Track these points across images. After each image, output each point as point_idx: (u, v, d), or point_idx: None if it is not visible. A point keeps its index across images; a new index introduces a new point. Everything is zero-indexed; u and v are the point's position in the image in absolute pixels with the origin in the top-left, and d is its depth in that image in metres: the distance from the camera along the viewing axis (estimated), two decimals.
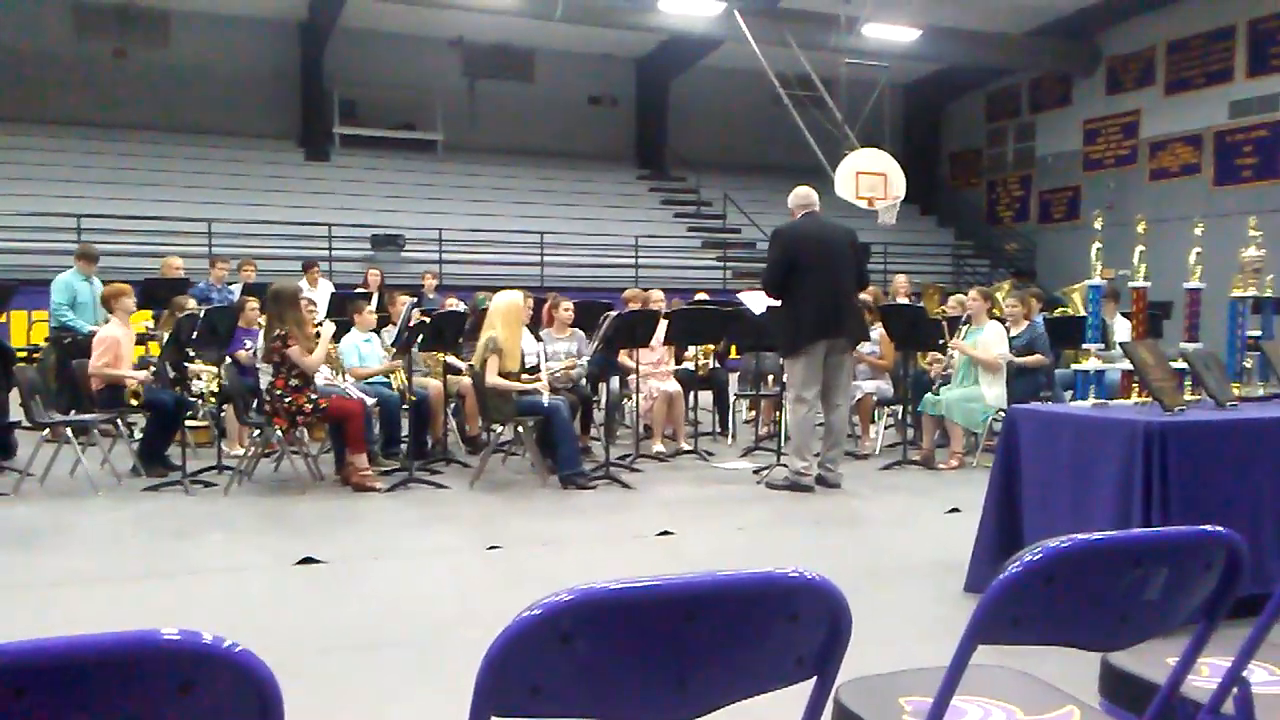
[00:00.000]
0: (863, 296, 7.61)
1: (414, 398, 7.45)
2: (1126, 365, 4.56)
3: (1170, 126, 20.09)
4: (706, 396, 9.60)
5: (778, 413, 8.77)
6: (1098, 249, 4.75)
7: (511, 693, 1.26)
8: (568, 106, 22.82)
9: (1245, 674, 1.86)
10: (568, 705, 1.33)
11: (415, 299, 8.50)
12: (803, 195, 7.09)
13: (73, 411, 7.33)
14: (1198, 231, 4.96)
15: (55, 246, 15.02)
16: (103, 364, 7.13)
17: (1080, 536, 1.55)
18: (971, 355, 7.73)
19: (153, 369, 7.83)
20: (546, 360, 7.64)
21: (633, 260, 18.90)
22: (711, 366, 9.38)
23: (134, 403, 7.23)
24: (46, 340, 10.00)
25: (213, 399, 7.70)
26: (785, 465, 7.12)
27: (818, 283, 6.71)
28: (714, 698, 1.40)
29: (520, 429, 7.37)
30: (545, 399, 6.91)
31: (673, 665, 1.34)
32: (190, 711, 1.12)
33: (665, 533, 5.70)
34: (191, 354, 7.51)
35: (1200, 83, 19.55)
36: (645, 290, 9.82)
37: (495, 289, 7.65)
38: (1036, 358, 8.19)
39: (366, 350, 7.89)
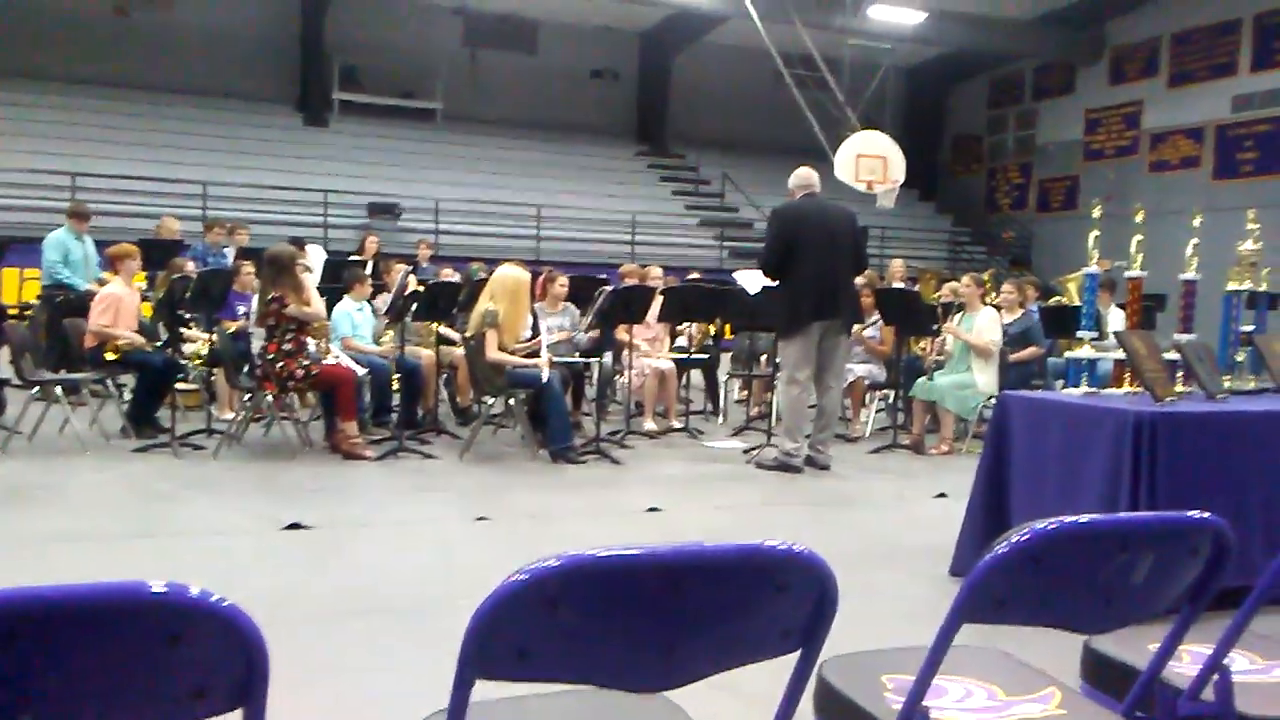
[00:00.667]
0: (859, 280, 7.61)
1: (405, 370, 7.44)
2: (1119, 355, 4.57)
3: (1172, 118, 20.06)
4: (698, 375, 9.60)
5: (769, 393, 8.79)
6: (1096, 237, 4.75)
7: (498, 656, 1.27)
8: (569, 79, 22.70)
9: (1226, 662, 1.87)
10: (554, 670, 1.33)
11: (410, 268, 8.48)
12: (803, 176, 7.08)
13: (63, 370, 7.31)
14: (1196, 223, 4.96)
15: (49, 205, 14.92)
16: (103, 323, 7.11)
17: (1068, 519, 1.55)
18: (965, 340, 7.74)
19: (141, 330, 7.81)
20: (541, 335, 7.64)
21: (629, 236, 18.86)
22: (704, 345, 9.39)
23: (110, 357, 7.18)
24: (38, 298, 9.97)
25: (200, 362, 7.68)
26: (775, 445, 7.14)
27: (815, 264, 6.70)
28: (699, 667, 1.40)
29: (511, 401, 7.38)
30: (544, 374, 6.90)
31: (659, 633, 1.35)
32: (178, 663, 1.12)
33: (654, 509, 5.71)
34: (186, 316, 7.48)
35: (1204, 75, 19.51)
36: (643, 267, 9.79)
37: (491, 260, 7.63)
38: (1031, 350, 8.20)
39: (359, 319, 7.88)
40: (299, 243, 11.88)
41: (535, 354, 7.17)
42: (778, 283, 6.96)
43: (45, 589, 1.05)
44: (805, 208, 6.96)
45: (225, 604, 1.13)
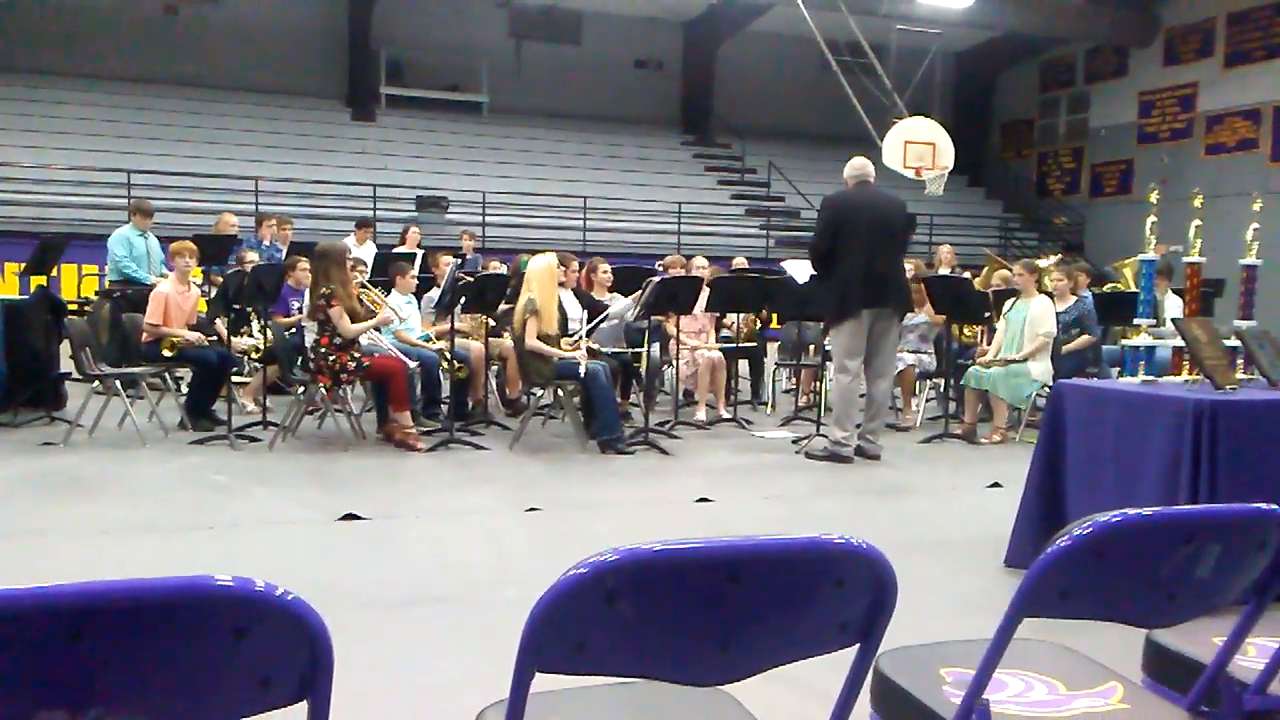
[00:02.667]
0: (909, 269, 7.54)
1: (460, 365, 7.49)
2: (1177, 342, 4.48)
3: (1228, 100, 19.61)
4: (744, 365, 9.57)
5: (817, 383, 8.74)
6: (1153, 222, 4.67)
7: (556, 649, 1.28)
8: (614, 70, 22.68)
9: None
10: (611, 663, 1.34)
11: (459, 260, 8.52)
12: (858, 165, 7.03)
13: (123, 365, 7.45)
14: (1256, 207, 4.85)
15: (104, 202, 15.23)
16: (153, 321, 7.27)
17: (1132, 511, 1.53)
18: (1015, 358, 7.62)
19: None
20: (591, 323, 7.66)
21: (675, 226, 18.83)
22: (752, 334, 9.35)
23: (167, 354, 7.31)
24: (97, 293, 10.16)
25: (257, 354, 7.78)
26: (825, 435, 7.10)
27: (864, 252, 6.65)
28: (757, 661, 1.40)
29: (560, 393, 7.40)
30: (582, 367, 6.91)
31: (716, 627, 1.35)
32: (245, 657, 1.14)
33: (704, 499, 5.71)
34: (245, 311, 7.58)
35: (1260, 56, 19.04)
36: (689, 258, 9.77)
37: (537, 252, 7.65)
38: (1083, 339, 8.07)
39: (407, 313, 7.93)
40: (364, 223, 12.02)
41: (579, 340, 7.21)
42: (826, 272, 6.92)
43: (111, 584, 1.07)
44: (855, 196, 6.91)
45: (290, 597, 1.14)
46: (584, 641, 1.30)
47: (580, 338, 7.30)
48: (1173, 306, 7.94)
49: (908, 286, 7.21)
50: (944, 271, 10.07)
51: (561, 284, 7.64)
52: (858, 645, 1.47)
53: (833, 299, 6.85)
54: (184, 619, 1.10)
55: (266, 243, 10.44)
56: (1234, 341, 4.36)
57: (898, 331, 7.16)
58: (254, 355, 7.82)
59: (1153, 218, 4.71)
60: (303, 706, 1.23)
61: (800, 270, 8.42)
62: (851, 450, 6.83)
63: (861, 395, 7.02)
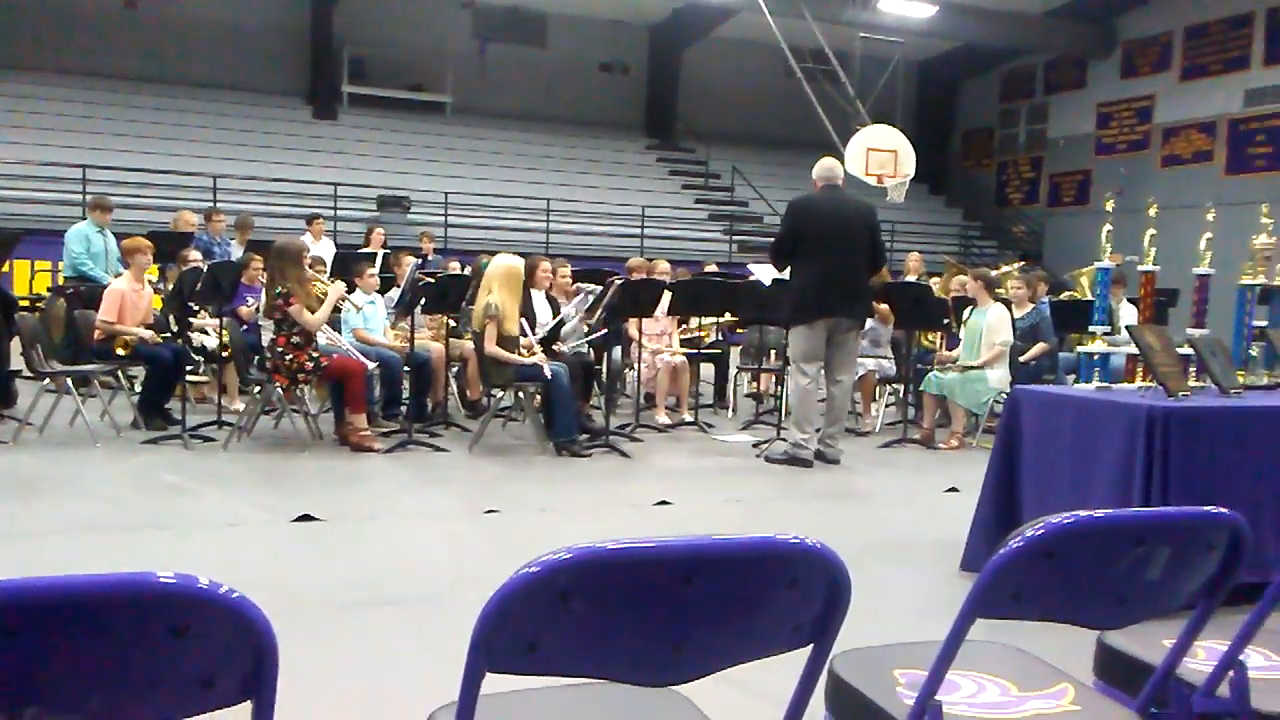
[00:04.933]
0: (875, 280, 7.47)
1: (416, 362, 7.43)
2: (1131, 349, 4.54)
3: (1184, 112, 19.95)
4: (707, 369, 9.59)
5: (778, 386, 8.77)
6: (1108, 231, 4.73)
7: (508, 648, 1.26)
8: (579, 73, 22.67)
9: (1242, 658, 1.86)
10: (564, 662, 1.32)
11: (420, 261, 8.47)
12: (826, 167, 7.02)
13: (76, 362, 7.33)
14: (1209, 217, 4.93)
15: (60, 197, 14.99)
16: (107, 319, 7.14)
17: (1083, 513, 1.54)
18: (973, 364, 7.69)
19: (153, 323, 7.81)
20: (549, 324, 7.62)
21: (639, 230, 18.84)
22: (713, 339, 9.37)
23: (120, 353, 7.20)
24: (49, 289, 9.99)
25: (207, 355, 7.67)
26: (784, 439, 7.12)
27: (825, 258, 6.66)
28: (710, 661, 1.39)
29: (520, 394, 7.37)
30: (546, 369, 6.89)
31: (670, 627, 1.34)
32: (184, 655, 1.11)
33: (663, 502, 5.70)
34: (195, 308, 7.49)
35: (1216, 69, 19.40)
36: (650, 260, 9.78)
37: (497, 253, 7.61)
38: (1039, 347, 8.16)
39: (369, 312, 7.87)
40: (313, 217, 11.88)
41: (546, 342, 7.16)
42: (787, 274, 6.93)
43: (51, 580, 1.04)
44: (821, 200, 6.90)
45: (234, 595, 1.12)
46: (536, 641, 1.28)
47: (534, 342, 7.22)
48: (1127, 315, 8.05)
49: (869, 294, 7.20)
50: (910, 279, 10.15)
51: (534, 286, 7.61)
52: (811, 646, 1.46)
53: (792, 303, 6.86)
54: (124, 616, 1.08)
55: (217, 239, 10.31)
56: (1187, 350, 4.42)
57: (857, 338, 7.16)
58: (222, 354, 7.68)
59: (1109, 227, 4.76)
60: (249, 707, 1.21)
61: (766, 273, 8.45)
62: (810, 453, 6.85)
63: (822, 400, 7.04)
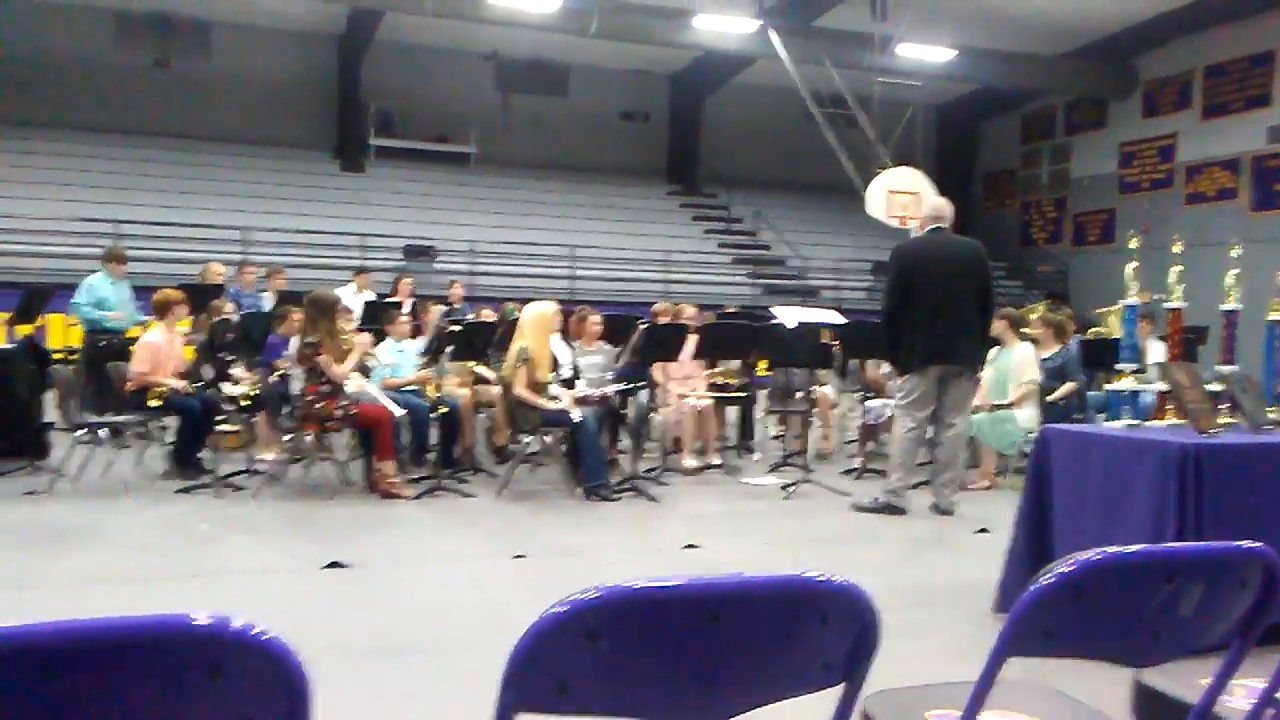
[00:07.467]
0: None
1: (445, 409, 7.47)
2: (1161, 386, 4.51)
3: (1207, 151, 19.90)
4: (731, 412, 9.56)
5: (807, 429, 8.73)
6: (1134, 268, 4.71)
7: (538, 688, 1.26)
8: (600, 122, 22.92)
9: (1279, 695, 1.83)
10: (593, 702, 1.32)
11: (446, 308, 8.54)
12: (934, 207, 6.84)
13: (108, 413, 7.41)
14: (1235, 254, 4.91)
15: (94, 251, 15.19)
16: (142, 370, 7.23)
17: (1114, 549, 1.53)
18: (1002, 404, 7.65)
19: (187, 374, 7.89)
20: (576, 374, 7.65)
21: (662, 275, 18.92)
22: (739, 383, 9.35)
23: (152, 405, 7.27)
24: (82, 342, 10.11)
25: (245, 403, 7.74)
26: (815, 481, 7.05)
27: (934, 304, 6.41)
28: (740, 700, 1.39)
29: (548, 440, 7.39)
30: (575, 414, 6.91)
31: (699, 666, 1.34)
32: (220, 697, 1.12)
33: (691, 546, 5.68)
34: (228, 359, 7.56)
35: (1238, 107, 19.37)
36: (676, 304, 9.80)
37: (525, 301, 7.67)
38: (1068, 386, 8.10)
39: (399, 360, 7.93)
40: (362, 270, 11.97)
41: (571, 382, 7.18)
42: (895, 325, 6.58)
43: (86, 622, 1.06)
44: (927, 243, 6.68)
45: (267, 637, 1.13)
46: (566, 681, 1.28)
47: (578, 386, 7.26)
48: (1156, 352, 7.98)
49: (979, 339, 6.84)
50: None
51: (578, 336, 7.68)
52: (843, 685, 1.46)
53: (901, 349, 6.60)
54: (159, 658, 1.09)
55: (247, 292, 10.43)
56: (1217, 386, 4.39)
57: (970, 382, 6.86)
58: (244, 402, 7.75)
59: (1134, 264, 4.75)
60: None
61: (790, 315, 8.45)
62: (906, 501, 6.65)
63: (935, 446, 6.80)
